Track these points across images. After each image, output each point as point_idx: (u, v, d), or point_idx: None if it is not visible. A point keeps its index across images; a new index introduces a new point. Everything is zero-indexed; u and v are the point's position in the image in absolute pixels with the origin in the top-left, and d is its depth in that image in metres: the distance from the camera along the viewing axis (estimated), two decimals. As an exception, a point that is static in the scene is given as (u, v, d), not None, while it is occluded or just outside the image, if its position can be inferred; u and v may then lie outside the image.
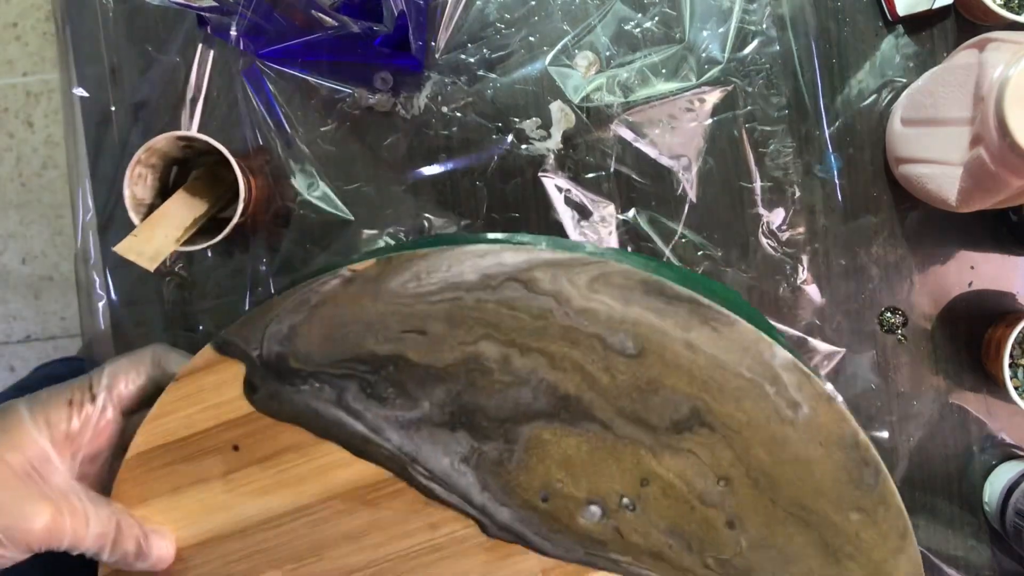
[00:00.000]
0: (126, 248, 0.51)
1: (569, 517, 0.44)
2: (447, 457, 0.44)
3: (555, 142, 0.58)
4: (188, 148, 0.57)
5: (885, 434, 0.58)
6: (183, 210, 0.55)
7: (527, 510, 0.44)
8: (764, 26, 0.57)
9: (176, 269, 0.60)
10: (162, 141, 0.54)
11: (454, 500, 0.44)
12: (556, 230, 0.58)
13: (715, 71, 0.57)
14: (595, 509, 0.44)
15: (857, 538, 0.43)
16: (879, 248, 0.58)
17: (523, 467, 0.44)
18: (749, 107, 0.58)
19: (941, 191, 0.50)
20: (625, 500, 0.44)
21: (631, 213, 0.58)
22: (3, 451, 0.41)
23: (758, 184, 0.58)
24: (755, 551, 0.43)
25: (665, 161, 0.58)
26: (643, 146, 0.58)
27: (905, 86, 0.57)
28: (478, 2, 0.58)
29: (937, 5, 0.55)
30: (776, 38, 0.57)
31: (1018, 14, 0.53)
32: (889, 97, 0.57)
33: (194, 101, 0.59)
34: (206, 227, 0.57)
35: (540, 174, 0.58)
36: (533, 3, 0.58)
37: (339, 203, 0.59)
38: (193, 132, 0.57)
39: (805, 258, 0.58)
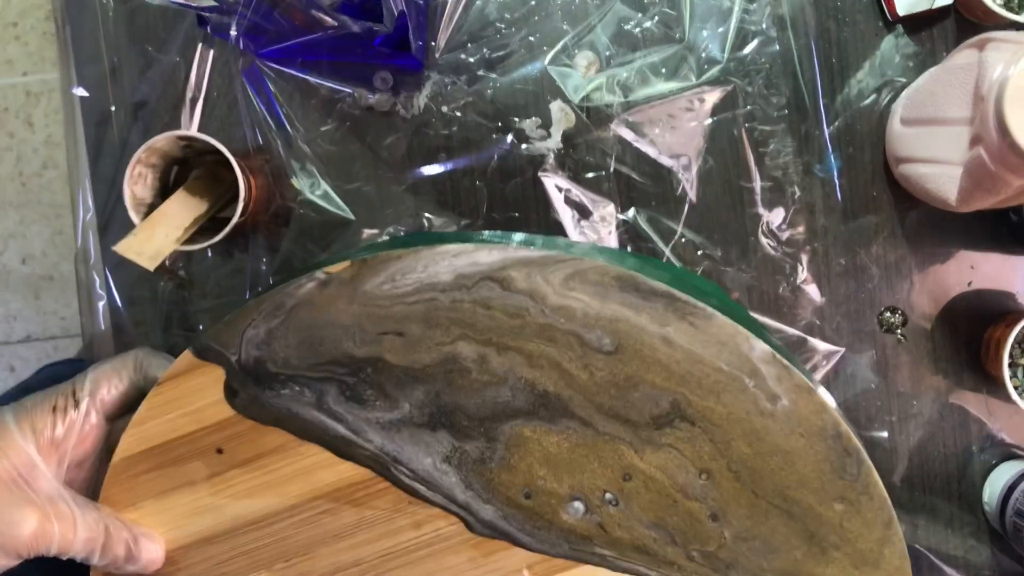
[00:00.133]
0: (126, 248, 0.51)
1: (552, 513, 0.44)
2: (429, 457, 0.44)
3: (555, 142, 0.58)
4: (188, 148, 0.57)
5: (885, 434, 0.58)
6: (183, 210, 0.55)
7: (511, 507, 0.45)
8: (764, 26, 0.57)
9: (176, 269, 0.60)
10: (162, 141, 0.54)
11: (438, 499, 0.45)
12: (556, 230, 0.58)
13: (715, 71, 0.57)
14: (578, 505, 0.44)
15: (841, 528, 0.43)
16: (879, 248, 0.58)
17: (505, 465, 0.44)
18: (749, 107, 0.58)
19: (941, 191, 0.50)
20: (608, 495, 0.44)
21: (631, 213, 0.58)
22: None
23: (758, 184, 0.58)
24: (739, 543, 0.44)
25: (665, 161, 0.58)
26: (643, 146, 0.58)
27: (905, 86, 0.57)
28: (478, 2, 0.58)
29: (937, 5, 0.55)
30: (776, 38, 0.57)
31: (1018, 14, 0.53)
32: (889, 97, 0.57)
33: (194, 101, 0.59)
34: (206, 227, 0.57)
35: (540, 174, 0.58)
36: (533, 3, 0.58)
37: (340, 202, 0.59)
38: (193, 132, 0.57)
39: (805, 258, 0.58)
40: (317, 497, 0.45)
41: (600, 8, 0.58)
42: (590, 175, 0.58)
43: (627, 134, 0.58)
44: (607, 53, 0.58)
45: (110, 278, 0.60)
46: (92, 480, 0.46)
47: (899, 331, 0.58)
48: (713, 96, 0.58)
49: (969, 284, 0.58)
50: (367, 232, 0.59)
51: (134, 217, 0.54)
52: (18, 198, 1.24)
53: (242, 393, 0.44)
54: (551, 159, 0.58)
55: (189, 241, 0.55)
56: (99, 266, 0.60)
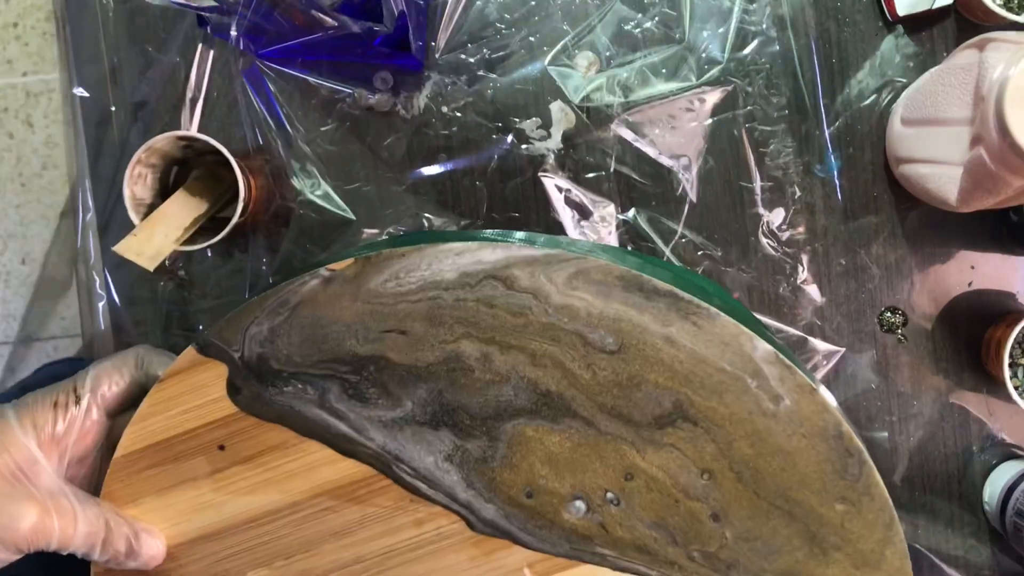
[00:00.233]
0: (126, 248, 0.51)
1: (554, 512, 0.44)
2: (431, 456, 0.44)
3: (555, 142, 0.58)
4: (188, 148, 0.57)
5: (885, 434, 0.58)
6: (183, 210, 0.55)
7: (512, 506, 0.44)
8: (764, 26, 0.57)
9: (176, 269, 0.60)
10: (162, 141, 0.54)
11: (439, 497, 0.45)
12: (556, 230, 0.58)
13: (715, 71, 0.57)
14: (580, 504, 0.44)
15: (843, 529, 0.43)
16: (879, 248, 0.58)
17: (507, 464, 0.44)
18: (749, 107, 0.58)
19: (941, 191, 0.50)
20: (609, 495, 0.44)
21: (631, 213, 0.58)
22: None
23: (758, 184, 0.58)
24: (740, 543, 0.44)
25: (665, 161, 0.58)
26: (643, 146, 0.58)
27: (905, 86, 0.57)
28: (478, 2, 0.58)
29: (937, 5, 0.55)
30: (776, 38, 0.57)
31: (1018, 14, 0.53)
32: (889, 97, 0.57)
33: (194, 101, 0.59)
34: (206, 227, 0.57)
35: (540, 174, 0.58)
36: (533, 3, 0.58)
37: (340, 203, 0.59)
38: (193, 132, 0.57)
39: (805, 258, 0.58)
40: (318, 494, 0.45)
41: (600, 8, 0.58)
42: (590, 175, 0.58)
43: (627, 134, 0.58)
44: (607, 53, 0.58)
45: (110, 278, 0.60)
46: (93, 476, 0.46)
47: (899, 331, 0.58)
48: (713, 96, 0.58)
49: (969, 284, 0.58)
50: (367, 232, 0.59)
51: (134, 217, 0.54)
52: (18, 198, 1.24)
53: (245, 390, 0.44)
54: (551, 159, 0.58)
55: (189, 241, 0.55)
56: (99, 266, 0.60)
